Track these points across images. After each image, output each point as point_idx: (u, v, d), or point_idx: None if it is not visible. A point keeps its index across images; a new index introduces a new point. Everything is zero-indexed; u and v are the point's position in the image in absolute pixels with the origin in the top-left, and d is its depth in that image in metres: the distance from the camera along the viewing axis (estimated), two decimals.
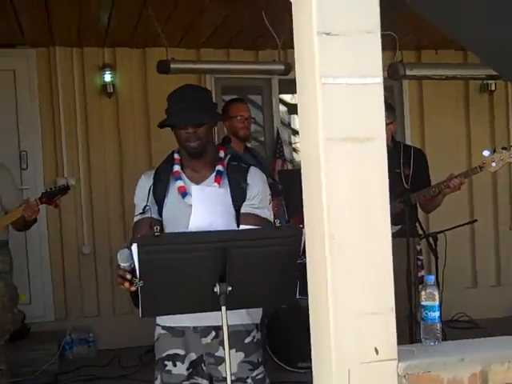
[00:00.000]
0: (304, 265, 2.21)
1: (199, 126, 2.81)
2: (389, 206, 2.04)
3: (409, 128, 6.67)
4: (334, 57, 2.01)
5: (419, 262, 4.29)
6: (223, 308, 2.38)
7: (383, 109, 2.05)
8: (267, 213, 2.86)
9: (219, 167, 2.88)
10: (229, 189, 2.84)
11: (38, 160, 5.90)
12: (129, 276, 2.51)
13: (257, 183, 2.88)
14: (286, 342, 4.94)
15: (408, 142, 6.29)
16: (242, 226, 2.72)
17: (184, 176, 2.90)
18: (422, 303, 2.25)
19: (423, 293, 2.25)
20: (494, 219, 6.81)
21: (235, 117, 4.78)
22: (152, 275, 2.34)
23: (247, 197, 2.83)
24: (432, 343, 2.24)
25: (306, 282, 2.20)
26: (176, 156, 2.94)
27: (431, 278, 2.26)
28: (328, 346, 2.05)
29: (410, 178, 4.24)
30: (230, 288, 2.36)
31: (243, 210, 2.82)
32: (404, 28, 4.71)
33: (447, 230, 4.87)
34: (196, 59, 6.03)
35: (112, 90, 5.93)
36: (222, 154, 2.94)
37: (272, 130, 6.58)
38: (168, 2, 4.81)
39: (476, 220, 5.47)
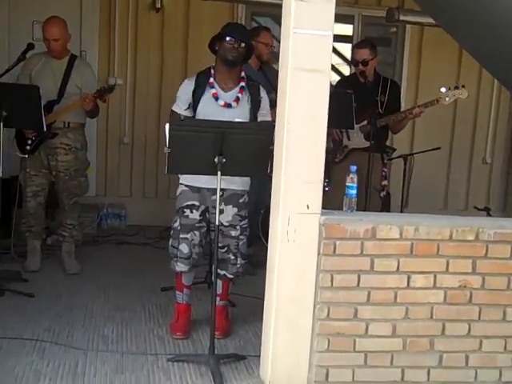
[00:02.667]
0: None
1: (243, 47, 3.92)
2: (327, 112, 3.08)
3: (406, 67, 7.29)
4: (304, 15, 3.09)
5: (383, 173, 5.16)
6: (219, 173, 3.46)
7: (330, 51, 3.10)
8: (269, 117, 3.97)
9: (242, 83, 3.99)
10: (250, 99, 3.96)
11: (94, 60, 6.65)
12: None
13: (265, 98, 4.03)
14: None
15: (404, 79, 7.01)
16: None
17: (216, 85, 3.99)
18: (346, 183, 3.29)
19: (347, 177, 3.28)
20: (469, 151, 7.58)
21: (264, 43, 5.49)
22: (176, 146, 3.41)
23: (260, 106, 3.98)
24: (349, 211, 3.30)
25: None
26: (212, 71, 4.03)
27: (354, 168, 3.27)
28: (279, 201, 3.18)
29: (385, 104, 5.10)
30: (224, 160, 3.43)
31: (259, 118, 3.95)
32: None
33: (413, 153, 5.89)
34: None
35: (160, 6, 6.73)
36: (243, 73, 4.04)
37: None
38: None
39: (439, 147, 6.11)
